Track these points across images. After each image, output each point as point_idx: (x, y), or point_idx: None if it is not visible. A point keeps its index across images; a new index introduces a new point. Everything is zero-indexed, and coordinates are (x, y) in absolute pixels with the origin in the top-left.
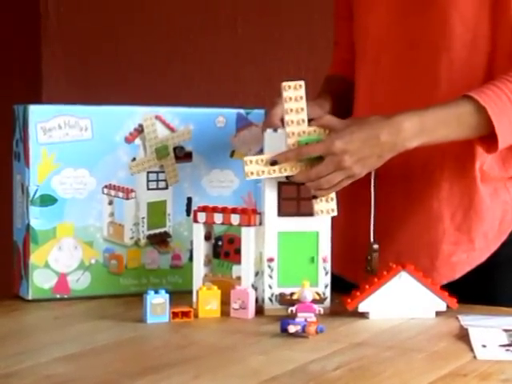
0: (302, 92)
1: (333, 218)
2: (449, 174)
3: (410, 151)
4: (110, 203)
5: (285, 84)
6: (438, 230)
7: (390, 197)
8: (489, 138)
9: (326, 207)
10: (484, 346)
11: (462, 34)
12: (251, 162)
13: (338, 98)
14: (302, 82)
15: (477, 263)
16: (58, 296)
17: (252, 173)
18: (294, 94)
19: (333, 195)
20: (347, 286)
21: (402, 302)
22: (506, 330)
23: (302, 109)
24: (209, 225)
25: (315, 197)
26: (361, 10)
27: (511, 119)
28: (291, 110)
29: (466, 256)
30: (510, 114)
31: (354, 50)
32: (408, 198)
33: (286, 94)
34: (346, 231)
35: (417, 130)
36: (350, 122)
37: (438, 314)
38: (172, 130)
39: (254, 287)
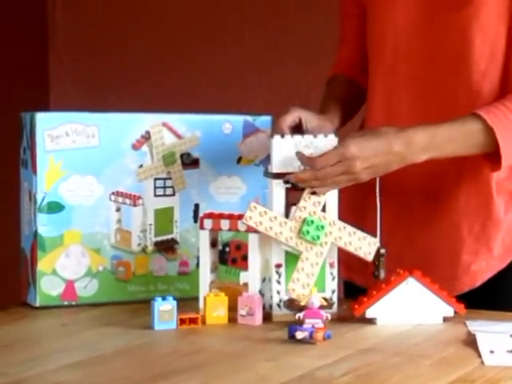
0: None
1: None
2: (466, 187)
3: (429, 165)
4: (118, 210)
5: None
6: (458, 240)
7: (410, 206)
8: (493, 156)
9: (300, 291)
10: (492, 352)
11: (482, 47)
12: (255, 208)
13: (346, 105)
14: None
15: (497, 270)
16: (66, 303)
17: (251, 218)
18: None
19: (311, 283)
20: (361, 291)
21: (409, 307)
22: None
23: (319, 203)
24: (215, 231)
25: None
26: (376, 17)
27: None
28: (309, 197)
29: (486, 263)
30: None
31: (360, 48)
32: (427, 208)
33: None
34: None
35: (426, 144)
36: (365, 131)
37: (445, 319)
38: (179, 136)
39: (261, 293)
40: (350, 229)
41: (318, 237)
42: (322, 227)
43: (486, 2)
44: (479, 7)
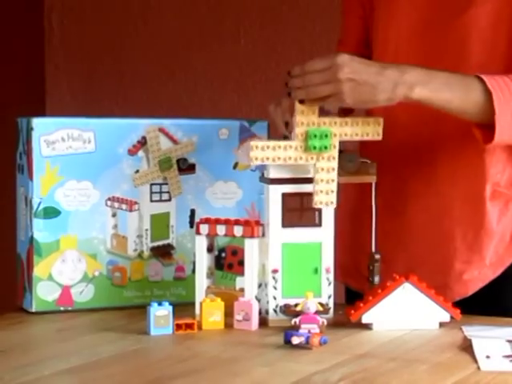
0: None
1: (340, 229)
2: (460, 195)
3: (423, 168)
4: (114, 215)
5: None
6: (450, 248)
7: (404, 212)
8: (487, 129)
9: (326, 199)
10: (488, 357)
11: (480, 54)
12: (257, 147)
13: None
14: None
15: (490, 279)
16: (62, 308)
17: (257, 158)
18: None
19: (334, 187)
20: (360, 297)
21: (405, 313)
22: (509, 341)
23: (313, 110)
24: (211, 237)
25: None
26: (380, 22)
27: None
28: (302, 111)
29: (478, 272)
30: None
31: (360, 50)
32: (421, 215)
33: None
34: (353, 243)
35: (422, 79)
36: None
37: (441, 324)
38: (175, 142)
39: (257, 299)
40: (351, 120)
41: (326, 146)
42: (326, 135)
43: (485, 8)
44: (478, 13)
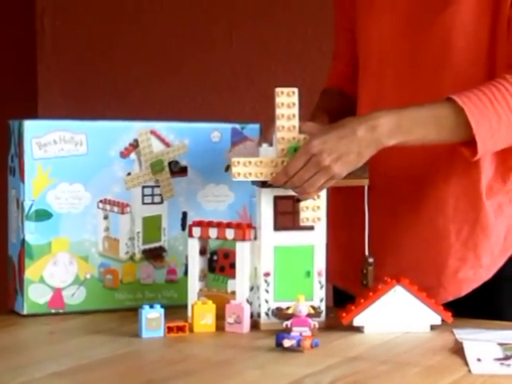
0: (294, 99)
1: (334, 233)
2: (454, 190)
3: (416, 167)
4: (106, 218)
5: (278, 90)
6: (444, 246)
7: (396, 212)
8: (470, 144)
9: (312, 215)
10: (479, 360)
11: (464, 49)
12: (239, 163)
13: (336, 115)
14: (296, 89)
15: (484, 280)
16: (53, 311)
17: (239, 174)
18: (286, 100)
19: (320, 203)
20: (350, 299)
21: (396, 315)
22: (500, 344)
23: (294, 115)
24: (204, 239)
25: (299, 200)
26: (363, 24)
27: (492, 122)
28: (282, 116)
29: (473, 273)
30: (492, 117)
31: (353, 62)
32: (414, 213)
33: (278, 100)
34: (347, 245)
35: (393, 127)
36: (329, 125)
37: (432, 327)
38: (167, 144)
39: (249, 302)
40: None
41: None
42: None
43: (466, 4)
44: (460, 9)
